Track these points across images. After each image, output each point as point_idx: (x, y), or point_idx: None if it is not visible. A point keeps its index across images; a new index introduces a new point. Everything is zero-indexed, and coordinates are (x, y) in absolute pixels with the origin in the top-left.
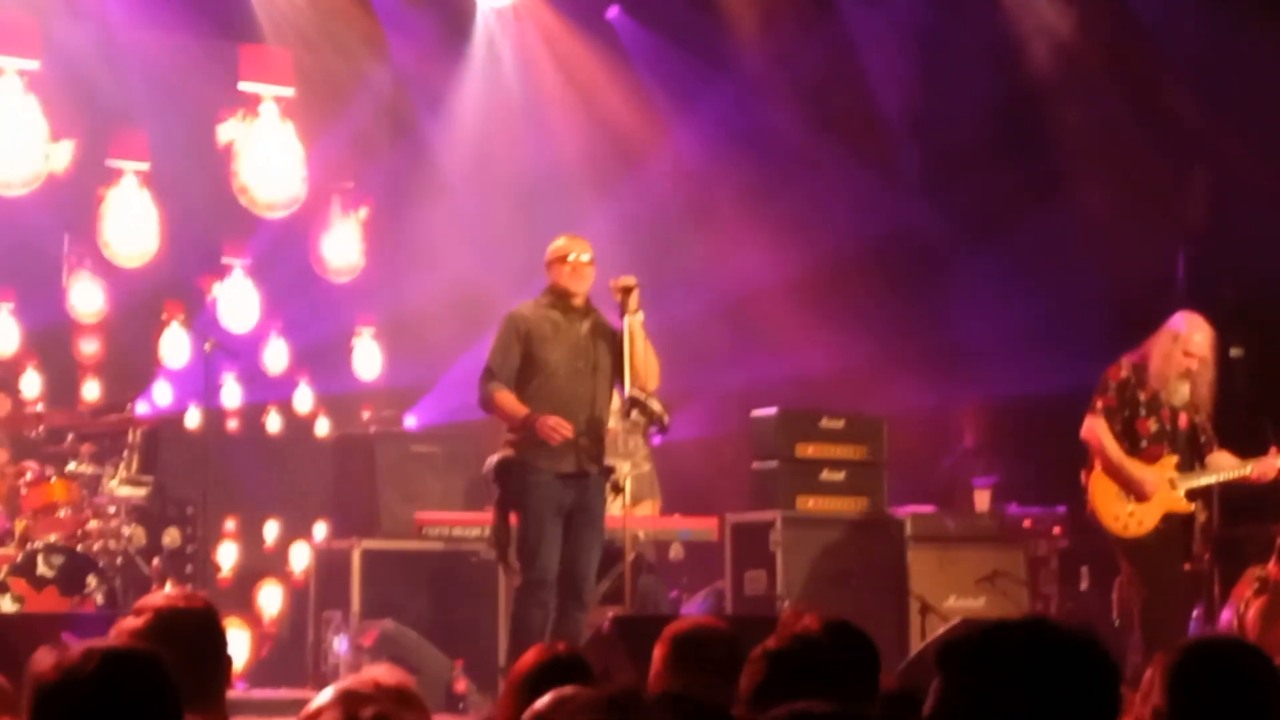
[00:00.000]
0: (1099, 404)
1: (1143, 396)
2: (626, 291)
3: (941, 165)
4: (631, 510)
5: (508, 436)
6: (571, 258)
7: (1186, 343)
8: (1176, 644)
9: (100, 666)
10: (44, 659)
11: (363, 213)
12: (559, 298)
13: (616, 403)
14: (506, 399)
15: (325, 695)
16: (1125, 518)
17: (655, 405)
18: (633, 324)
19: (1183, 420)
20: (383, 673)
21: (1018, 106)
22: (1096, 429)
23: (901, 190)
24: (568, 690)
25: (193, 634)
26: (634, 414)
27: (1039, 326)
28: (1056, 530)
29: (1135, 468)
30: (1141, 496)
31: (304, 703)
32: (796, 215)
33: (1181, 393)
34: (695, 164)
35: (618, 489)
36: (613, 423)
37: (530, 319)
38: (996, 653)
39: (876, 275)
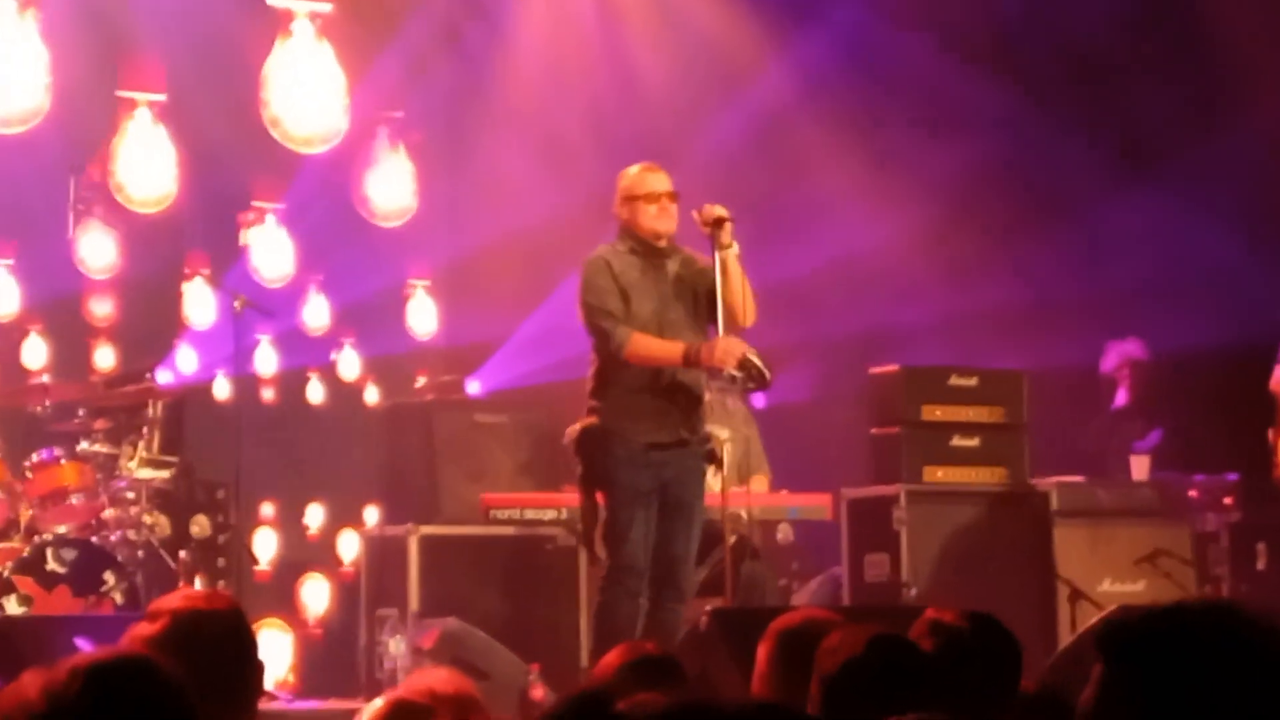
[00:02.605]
0: None
1: None
2: (718, 224)
3: (1085, 86)
4: (733, 485)
5: (591, 403)
6: (649, 191)
7: None
8: None
9: (86, 687)
10: (31, 682)
11: (412, 148)
12: (639, 242)
13: None
14: (648, 341)
15: (375, 707)
16: None
17: (756, 359)
18: (726, 259)
19: None
20: (442, 679)
21: (1170, 12)
22: None
23: (1040, 116)
24: (638, 700)
25: (217, 640)
26: (729, 370)
27: (1203, 268)
28: (1227, 501)
29: None
30: None
31: (354, 715)
32: (917, 147)
33: None
34: (803, 88)
35: (715, 460)
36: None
37: (615, 264)
38: (1176, 638)
39: (1010, 211)
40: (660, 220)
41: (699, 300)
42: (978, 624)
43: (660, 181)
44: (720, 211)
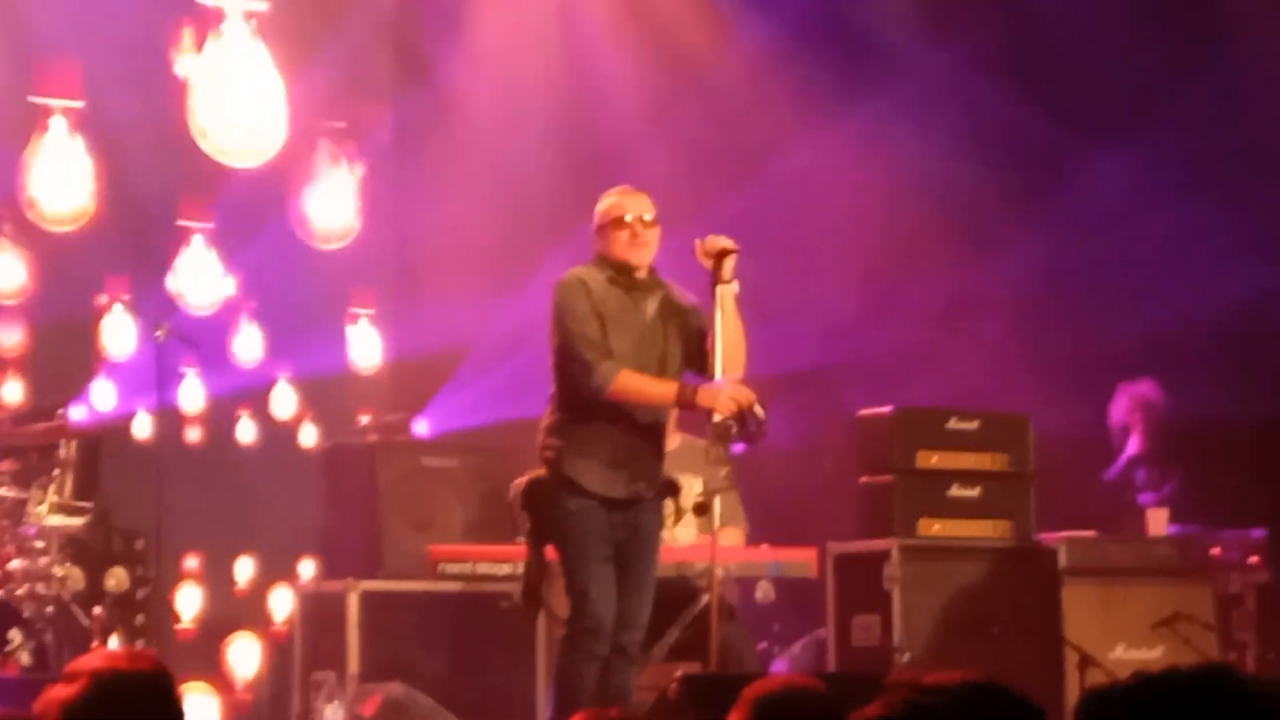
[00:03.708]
0: None
1: None
2: (722, 256)
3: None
4: (710, 538)
5: (547, 441)
6: (630, 218)
7: None
8: None
9: None
10: None
11: (358, 164)
12: (618, 271)
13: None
14: (638, 378)
15: None
16: None
17: (759, 409)
18: (725, 295)
19: None
20: None
21: None
22: None
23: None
24: None
25: (140, 704)
26: (721, 419)
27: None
28: (1254, 560)
29: None
30: None
31: None
32: (898, 141)
33: None
34: (774, 78)
35: (703, 510)
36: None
37: (595, 290)
38: (1162, 710)
39: (1006, 218)
40: (633, 249)
41: (679, 343)
42: (971, 692)
43: (636, 205)
44: (725, 243)
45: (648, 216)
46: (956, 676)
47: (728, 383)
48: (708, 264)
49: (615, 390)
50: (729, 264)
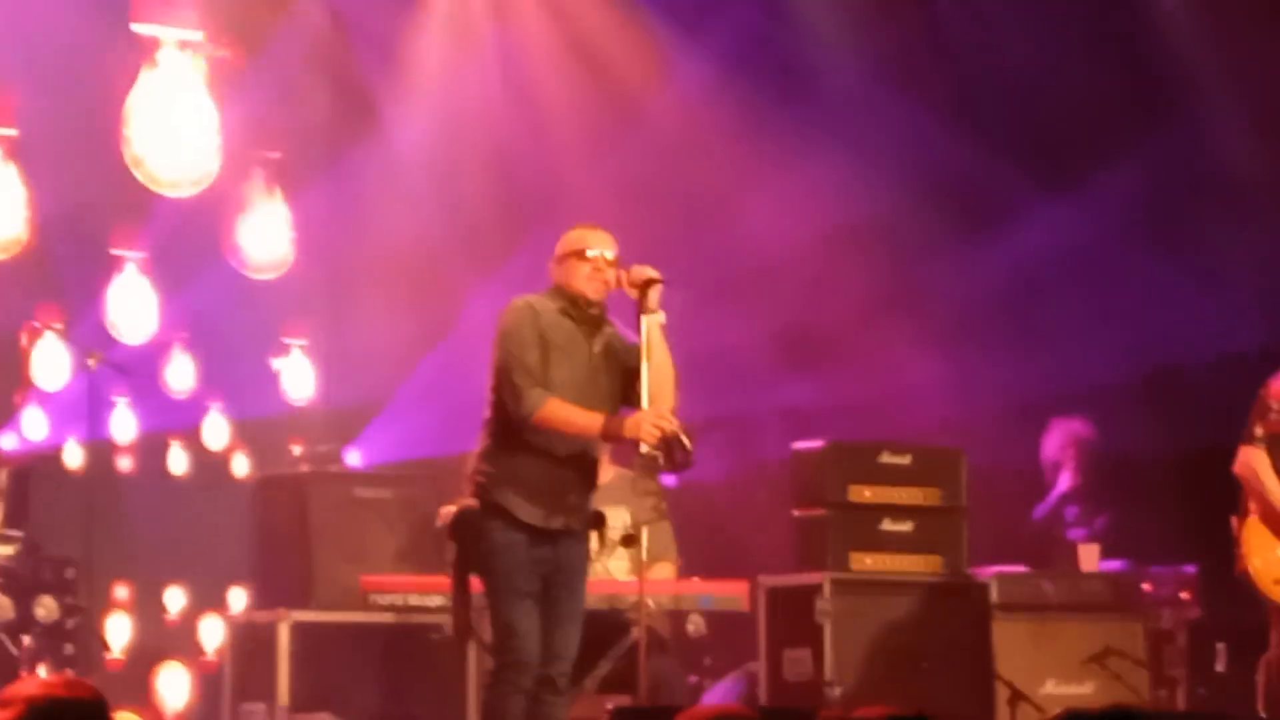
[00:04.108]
0: (1258, 430)
1: None
2: (647, 286)
3: (1018, 108)
4: (632, 572)
5: (478, 467)
6: (593, 253)
7: None
8: None
9: None
10: None
11: (289, 192)
12: (571, 304)
13: None
14: (564, 407)
15: None
16: None
17: (684, 438)
18: (651, 325)
19: None
20: None
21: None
22: (1254, 462)
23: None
24: None
25: None
26: (648, 449)
27: (1156, 324)
28: (1185, 596)
29: None
30: None
31: None
32: (837, 182)
33: None
34: (711, 113)
35: (631, 542)
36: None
37: (544, 318)
38: None
39: (945, 253)
40: (591, 283)
41: (614, 382)
42: None
43: (600, 241)
44: (650, 273)
45: (609, 255)
46: (885, 711)
47: (652, 412)
48: (633, 294)
49: (541, 417)
50: (654, 294)
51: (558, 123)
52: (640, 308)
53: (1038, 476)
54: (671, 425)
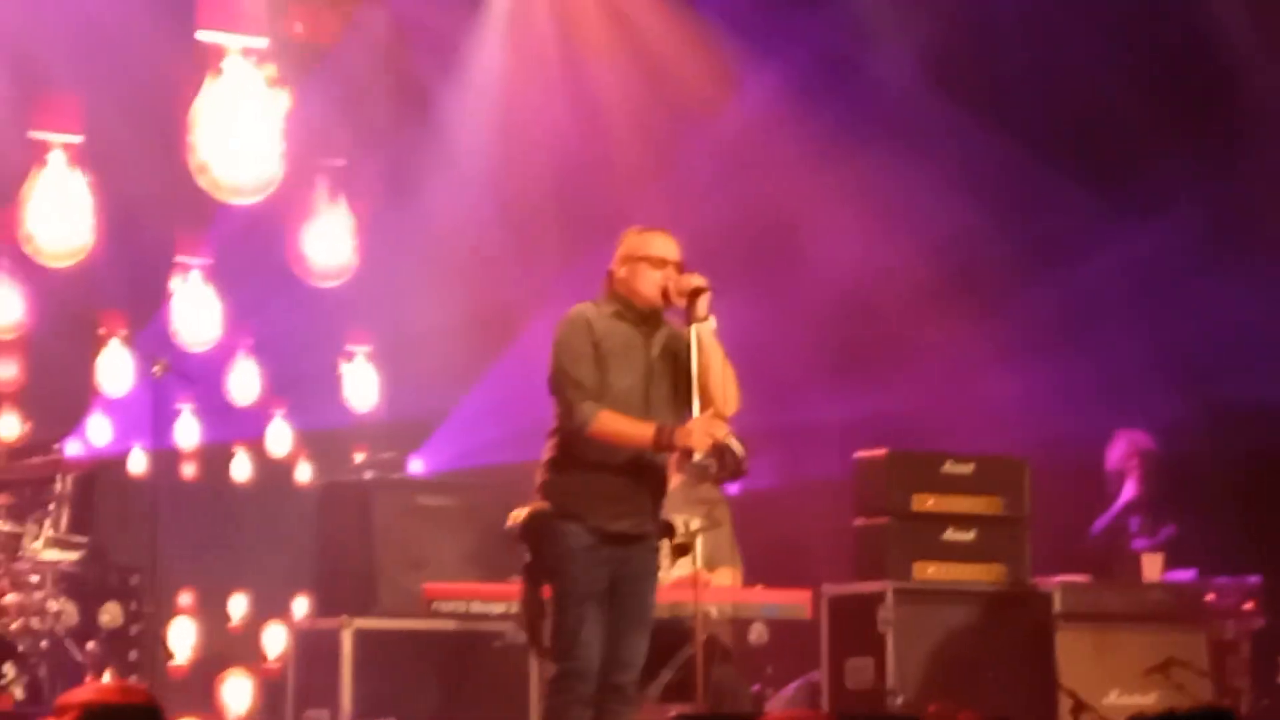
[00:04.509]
0: None
1: None
2: (695, 294)
3: (1083, 129)
4: (703, 579)
5: (545, 477)
6: (655, 253)
7: None
8: None
9: None
10: None
11: (354, 200)
12: (628, 307)
13: None
14: (616, 419)
15: None
16: None
17: (735, 444)
18: (702, 333)
19: None
20: None
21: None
22: None
23: (1038, 162)
24: None
25: None
26: (700, 456)
27: (1216, 339)
28: (1249, 606)
29: None
30: None
31: None
32: (901, 200)
33: None
34: (775, 133)
35: (685, 550)
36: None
37: (598, 326)
38: None
39: (1004, 279)
40: (656, 288)
41: (687, 381)
42: None
43: (669, 248)
44: (698, 281)
45: (674, 256)
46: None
47: (702, 419)
48: (680, 303)
49: (594, 431)
50: (703, 302)
51: (619, 131)
52: (689, 316)
53: (1101, 488)
54: (722, 433)
